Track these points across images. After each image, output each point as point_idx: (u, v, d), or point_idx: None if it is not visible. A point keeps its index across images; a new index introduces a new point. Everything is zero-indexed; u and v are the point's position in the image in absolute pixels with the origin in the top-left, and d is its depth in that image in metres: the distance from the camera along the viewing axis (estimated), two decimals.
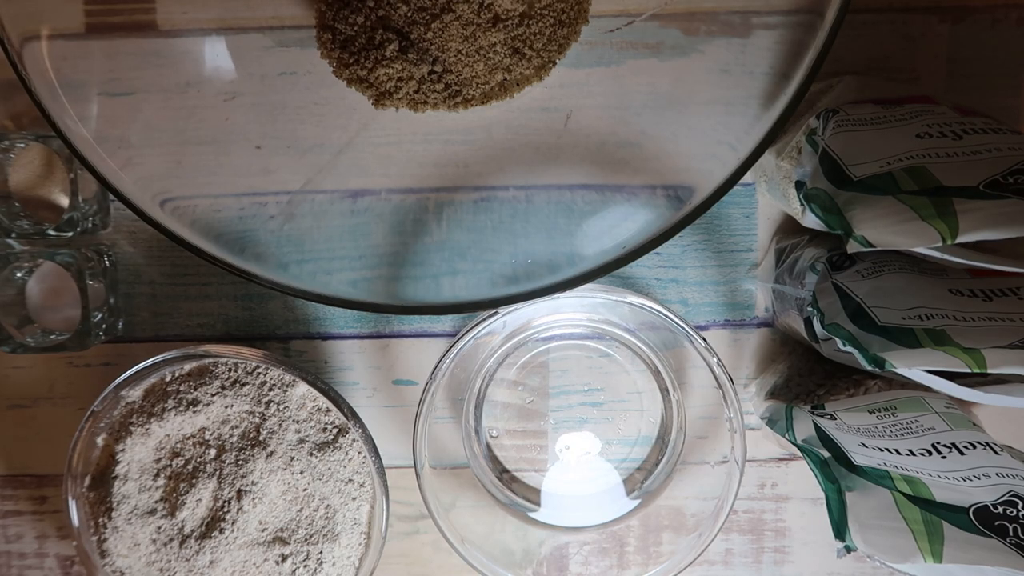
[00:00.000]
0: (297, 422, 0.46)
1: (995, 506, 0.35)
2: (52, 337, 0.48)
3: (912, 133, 0.37)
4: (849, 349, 0.37)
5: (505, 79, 0.42)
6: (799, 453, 0.41)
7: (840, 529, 0.37)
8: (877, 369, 0.36)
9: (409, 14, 0.40)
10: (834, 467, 0.39)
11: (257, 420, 0.46)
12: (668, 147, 0.42)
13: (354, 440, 0.46)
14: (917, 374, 0.36)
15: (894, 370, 0.36)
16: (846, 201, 0.37)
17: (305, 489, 0.46)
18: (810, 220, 0.39)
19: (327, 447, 0.46)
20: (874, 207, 0.36)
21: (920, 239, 0.34)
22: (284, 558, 0.46)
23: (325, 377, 0.49)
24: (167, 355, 0.44)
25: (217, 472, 0.46)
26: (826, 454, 0.40)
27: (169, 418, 0.46)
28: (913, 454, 0.38)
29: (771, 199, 0.47)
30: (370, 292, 0.41)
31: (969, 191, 0.34)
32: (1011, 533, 0.35)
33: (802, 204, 0.39)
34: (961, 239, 0.33)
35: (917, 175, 0.36)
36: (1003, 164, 0.35)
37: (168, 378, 0.46)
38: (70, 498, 0.46)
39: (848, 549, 0.37)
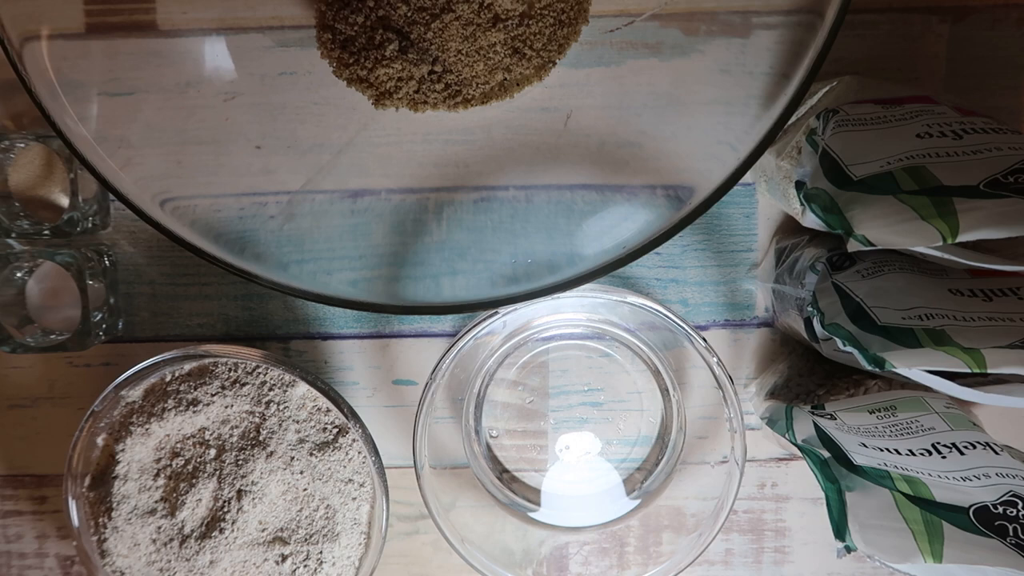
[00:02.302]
0: (297, 422, 0.46)
1: (995, 506, 0.35)
2: (52, 337, 0.48)
3: (912, 133, 0.37)
4: (849, 349, 0.37)
5: (505, 79, 0.42)
6: (799, 453, 0.41)
7: (840, 529, 0.37)
8: (877, 369, 0.36)
9: (409, 14, 0.40)
10: (834, 467, 0.39)
11: (257, 420, 0.46)
12: (668, 147, 0.42)
13: (354, 440, 0.46)
14: (917, 374, 0.36)
15: (894, 370, 0.36)
16: (846, 201, 0.37)
17: (305, 489, 0.46)
18: (810, 220, 0.39)
19: (327, 447, 0.46)
20: (874, 207, 0.36)
21: (920, 238, 0.34)
22: (284, 558, 0.46)
23: (325, 377, 0.49)
24: (167, 355, 0.44)
25: (217, 472, 0.46)
26: (826, 454, 0.40)
27: (169, 418, 0.46)
28: (913, 454, 0.38)
29: (771, 199, 0.47)
30: (370, 292, 0.41)
31: (969, 190, 0.34)
32: (1011, 533, 0.35)
33: (802, 204, 0.39)
34: (962, 238, 0.33)
35: (917, 175, 0.36)
36: (1003, 163, 0.35)
37: (168, 378, 0.46)
38: (70, 498, 0.46)
39: (848, 549, 0.37)
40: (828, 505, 0.38)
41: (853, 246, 0.36)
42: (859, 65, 0.47)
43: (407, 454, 0.49)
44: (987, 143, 0.36)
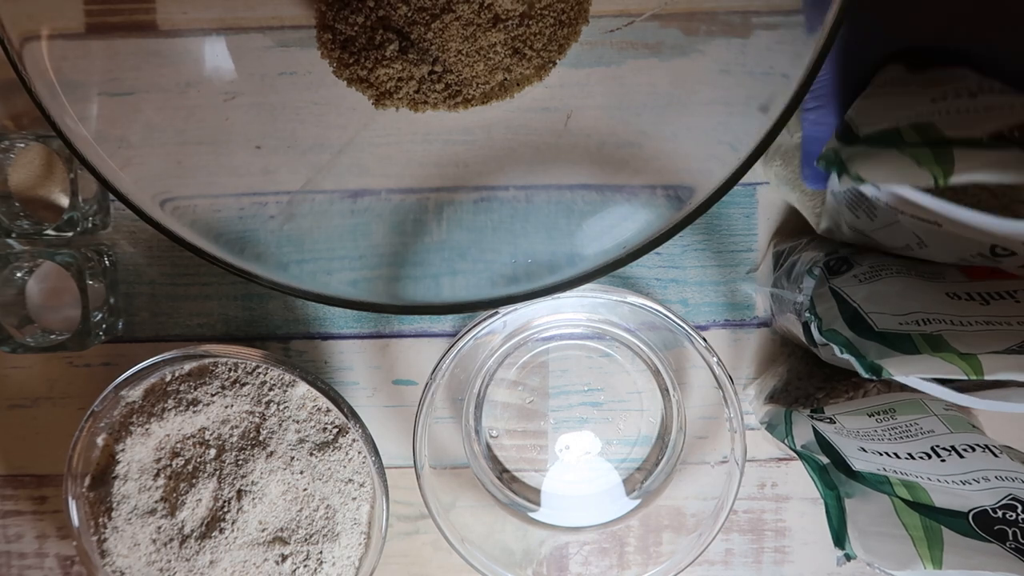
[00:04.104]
0: (297, 422, 0.46)
1: (994, 510, 0.35)
2: (52, 337, 0.48)
3: (928, 98, 0.37)
4: (846, 356, 0.37)
5: (505, 79, 0.42)
6: None
7: (840, 537, 0.37)
8: (874, 377, 0.36)
9: (409, 14, 0.40)
10: (833, 473, 0.39)
11: (257, 420, 0.46)
12: (668, 147, 0.42)
13: (354, 440, 0.46)
14: (914, 381, 0.36)
15: (891, 377, 0.36)
16: (850, 155, 0.36)
17: (305, 489, 0.46)
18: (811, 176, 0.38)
19: (327, 447, 0.46)
20: (876, 158, 0.35)
21: (913, 180, 0.33)
22: (284, 558, 0.46)
23: (325, 377, 0.49)
24: (167, 355, 0.44)
25: (217, 472, 0.46)
26: (825, 460, 0.39)
27: (169, 418, 0.46)
28: (912, 457, 0.38)
29: (777, 185, 0.47)
30: (370, 292, 0.41)
31: (972, 142, 0.34)
32: (1011, 537, 0.35)
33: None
34: (954, 180, 0.32)
35: (923, 130, 0.35)
36: (1012, 120, 0.34)
37: (168, 378, 0.46)
38: (70, 498, 0.46)
39: (848, 557, 0.37)
40: (827, 512, 0.38)
41: (846, 182, 0.35)
42: None
43: (407, 454, 0.49)
44: (1001, 102, 0.35)
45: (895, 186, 0.34)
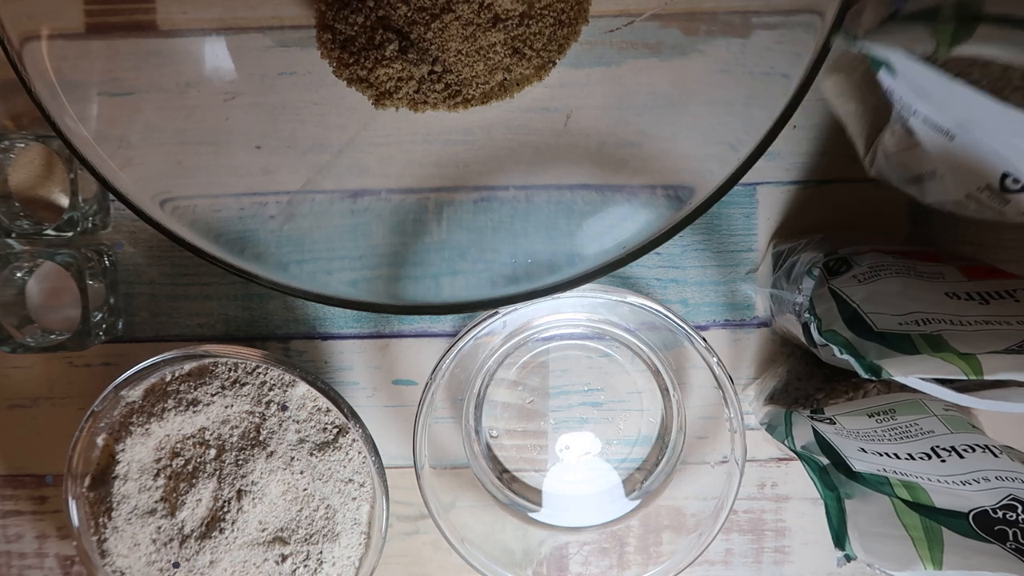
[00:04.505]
0: (297, 422, 0.46)
1: (994, 511, 0.35)
2: (52, 337, 0.48)
3: None
4: (846, 357, 0.37)
5: (505, 79, 0.42)
6: None
7: (840, 538, 0.37)
8: (874, 378, 0.36)
9: (409, 14, 0.40)
10: (833, 474, 0.39)
11: (257, 420, 0.46)
12: (668, 147, 0.42)
13: (354, 440, 0.46)
14: (914, 381, 0.36)
15: (891, 378, 0.36)
16: (872, 31, 0.35)
17: (305, 489, 0.46)
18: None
19: (327, 447, 0.46)
20: (891, 28, 0.34)
21: (911, 44, 0.32)
22: (284, 558, 0.46)
23: (325, 377, 0.49)
24: (167, 355, 0.44)
25: (217, 472, 0.46)
26: (825, 461, 0.39)
27: (169, 418, 0.46)
28: (912, 458, 0.37)
29: (835, 95, 0.45)
30: (370, 292, 0.41)
31: (1007, 20, 0.32)
32: (1011, 538, 0.34)
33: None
34: (958, 51, 0.31)
35: (964, 6, 0.33)
36: None
37: (168, 378, 0.46)
38: (70, 498, 0.46)
39: (848, 558, 0.36)
40: (827, 513, 0.37)
41: (846, 45, 0.34)
42: None
43: (407, 454, 0.49)
44: None
45: (892, 52, 0.32)
